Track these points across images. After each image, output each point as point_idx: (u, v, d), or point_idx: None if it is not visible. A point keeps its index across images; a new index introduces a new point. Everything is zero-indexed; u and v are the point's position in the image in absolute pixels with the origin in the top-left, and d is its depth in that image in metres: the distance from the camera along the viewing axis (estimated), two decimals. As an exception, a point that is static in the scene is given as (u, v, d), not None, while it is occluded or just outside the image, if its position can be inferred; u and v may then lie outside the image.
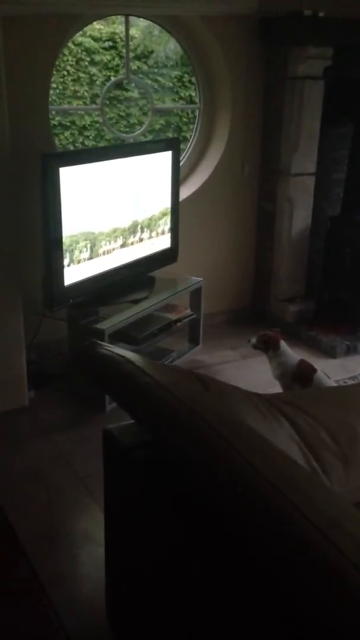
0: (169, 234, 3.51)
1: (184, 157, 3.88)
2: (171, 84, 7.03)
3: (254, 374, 3.31)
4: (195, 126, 3.96)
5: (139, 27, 6.40)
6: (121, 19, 3.64)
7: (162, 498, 1.38)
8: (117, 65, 6.77)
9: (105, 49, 6.81)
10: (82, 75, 6.78)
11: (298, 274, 4.06)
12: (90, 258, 3.02)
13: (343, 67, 3.67)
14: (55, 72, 5.53)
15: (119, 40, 6.67)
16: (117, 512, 1.68)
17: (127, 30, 3.68)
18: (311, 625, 0.89)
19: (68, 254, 2.86)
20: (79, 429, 2.90)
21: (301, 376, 2.83)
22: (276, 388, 2.89)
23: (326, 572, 0.91)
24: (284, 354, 2.90)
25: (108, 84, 4.51)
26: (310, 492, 1.08)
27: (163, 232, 3.47)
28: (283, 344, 2.91)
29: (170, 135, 6.78)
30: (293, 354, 2.94)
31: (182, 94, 6.97)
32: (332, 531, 0.95)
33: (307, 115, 3.70)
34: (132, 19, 3.75)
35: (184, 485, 1.25)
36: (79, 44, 6.65)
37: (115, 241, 3.16)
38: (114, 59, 6.83)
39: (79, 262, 2.94)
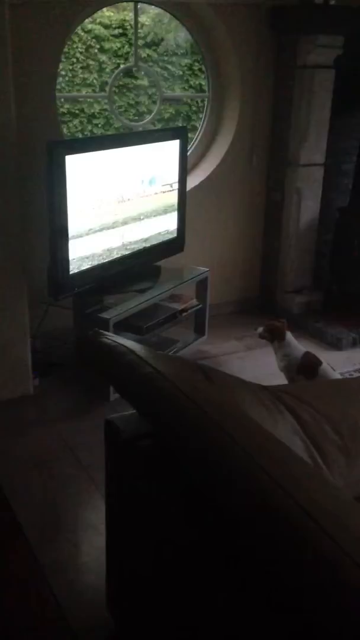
0: (176, 223, 3.49)
1: (192, 146, 3.86)
2: (181, 73, 6.98)
3: (258, 365, 3.31)
4: (204, 115, 3.94)
5: (150, 14, 6.35)
6: (132, 5, 3.60)
7: (163, 488, 1.38)
8: (127, 52, 6.72)
9: (115, 36, 6.76)
10: (91, 62, 6.74)
11: (305, 265, 4.04)
12: (96, 245, 3.01)
13: (353, 56, 3.63)
14: (64, 60, 5.50)
15: (129, 27, 6.61)
16: (119, 501, 1.68)
17: (135, 17, 3.65)
18: (308, 615, 0.89)
19: (75, 241, 2.86)
20: (82, 418, 2.91)
21: (306, 368, 2.82)
22: (281, 379, 2.88)
23: (323, 564, 0.90)
24: (289, 345, 2.89)
25: (116, 71, 4.48)
26: (310, 485, 1.07)
27: (169, 221, 3.45)
28: (289, 335, 2.90)
29: (179, 124, 6.74)
30: (299, 345, 2.92)
31: (191, 83, 6.92)
32: (330, 524, 0.95)
33: (316, 105, 3.67)
34: (142, 6, 3.72)
35: (184, 476, 1.24)
36: (88, 31, 6.60)
37: (121, 229, 3.15)
38: (123, 47, 6.77)
39: (84, 250, 2.94)
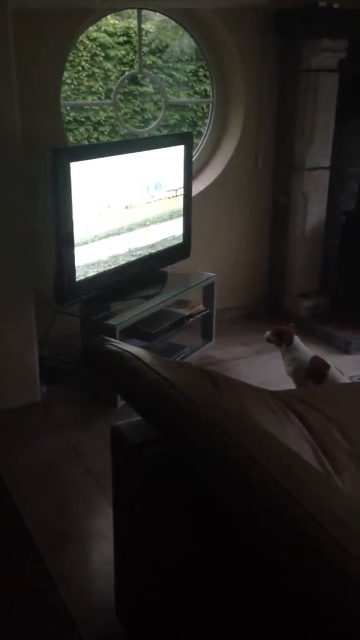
0: (182, 229, 3.49)
1: (197, 151, 3.86)
2: (186, 79, 7.00)
3: (267, 370, 3.29)
4: (208, 120, 3.94)
5: (154, 21, 6.38)
6: (136, 13, 3.60)
7: (170, 495, 1.37)
8: (132, 60, 6.75)
9: (119, 43, 6.79)
10: (96, 70, 6.77)
11: (312, 269, 4.03)
12: (102, 252, 3.01)
13: (358, 59, 3.62)
14: (70, 68, 5.52)
15: (133, 34, 6.64)
16: (126, 508, 1.67)
17: (139, 24, 3.66)
18: (318, 624, 0.88)
19: (81, 248, 2.86)
20: (90, 425, 2.90)
21: (314, 372, 2.80)
22: (289, 384, 2.86)
23: (333, 572, 0.89)
24: (297, 349, 2.87)
25: (120, 78, 4.49)
26: (319, 492, 1.06)
27: (175, 227, 3.45)
28: (297, 339, 2.88)
29: (185, 130, 6.76)
30: (307, 349, 2.91)
31: (197, 89, 6.94)
32: (339, 531, 0.93)
33: (321, 109, 3.66)
34: (146, 13, 3.73)
35: (191, 483, 1.23)
36: (93, 39, 6.63)
37: (127, 235, 3.14)
38: (128, 54, 6.80)
39: (90, 257, 2.94)
